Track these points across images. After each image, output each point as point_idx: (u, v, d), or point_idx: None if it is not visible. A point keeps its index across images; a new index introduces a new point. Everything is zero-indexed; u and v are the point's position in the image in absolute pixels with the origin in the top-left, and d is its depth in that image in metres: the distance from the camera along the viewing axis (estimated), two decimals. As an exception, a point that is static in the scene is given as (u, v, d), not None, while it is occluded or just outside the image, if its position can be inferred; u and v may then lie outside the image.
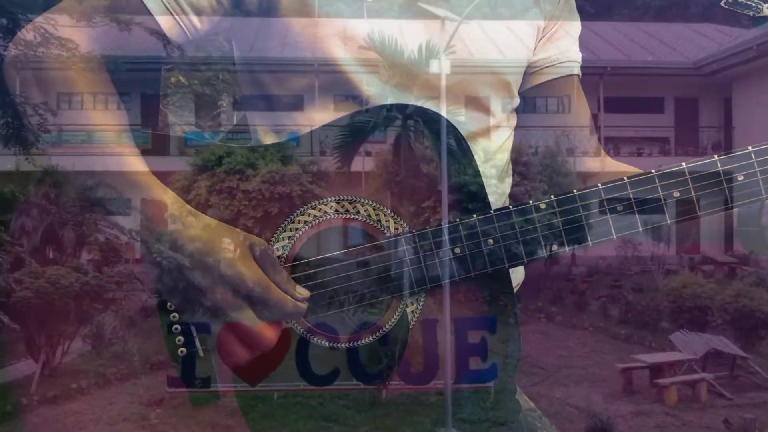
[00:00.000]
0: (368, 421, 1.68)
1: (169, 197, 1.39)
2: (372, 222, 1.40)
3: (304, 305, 1.37)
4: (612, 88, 15.39)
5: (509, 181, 1.75)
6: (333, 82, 1.58)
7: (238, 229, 1.38)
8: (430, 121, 1.47)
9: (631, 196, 1.35)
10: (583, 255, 14.49)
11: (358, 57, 1.59)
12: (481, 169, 1.68)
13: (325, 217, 1.40)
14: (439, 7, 1.64)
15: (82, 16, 1.48)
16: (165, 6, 1.50)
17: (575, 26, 1.81)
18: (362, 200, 1.40)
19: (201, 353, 1.39)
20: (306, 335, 1.40)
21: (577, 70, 1.80)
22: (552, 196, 1.37)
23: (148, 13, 1.49)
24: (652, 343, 10.25)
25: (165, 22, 1.50)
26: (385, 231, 1.40)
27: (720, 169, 1.35)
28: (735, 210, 1.42)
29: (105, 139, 1.47)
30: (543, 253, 1.38)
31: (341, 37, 1.58)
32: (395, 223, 1.40)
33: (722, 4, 1.47)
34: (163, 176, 1.41)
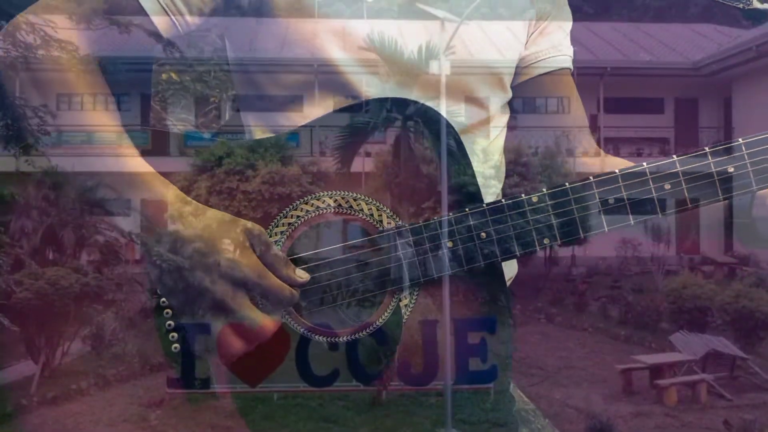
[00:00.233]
0: (368, 422, 1.68)
1: (170, 194, 1.39)
2: (365, 216, 1.40)
3: (296, 293, 1.36)
4: (612, 89, 15.41)
5: (503, 175, 1.75)
6: (332, 82, 1.58)
7: (236, 219, 1.37)
8: (430, 120, 1.47)
9: (623, 189, 1.36)
10: (583, 255, 14.51)
11: (357, 57, 1.59)
12: (480, 170, 1.68)
13: (317, 212, 1.40)
14: (438, 8, 1.64)
15: (81, 18, 1.48)
16: (157, 0, 1.50)
17: (567, 21, 1.82)
18: (355, 195, 1.41)
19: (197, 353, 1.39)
20: (300, 330, 1.40)
21: (569, 64, 1.80)
22: (544, 189, 1.38)
23: (140, 7, 1.48)
24: (651, 344, 10.26)
25: (157, 17, 1.50)
26: (378, 225, 1.40)
27: (711, 161, 1.35)
28: (730, 204, 1.44)
29: (104, 140, 1.47)
30: (536, 246, 1.38)
31: (341, 38, 1.58)
32: (388, 217, 1.40)
33: None
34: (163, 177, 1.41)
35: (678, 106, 16.74)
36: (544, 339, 10.80)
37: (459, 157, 1.45)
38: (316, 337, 1.40)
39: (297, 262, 1.38)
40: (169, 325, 1.39)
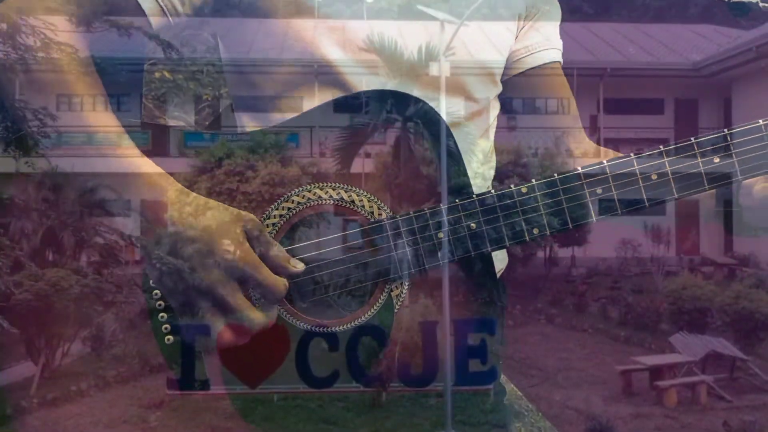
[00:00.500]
0: (368, 424, 1.68)
1: (170, 191, 1.39)
2: (356, 208, 1.41)
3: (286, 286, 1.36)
4: (611, 90, 15.41)
5: (493, 167, 1.76)
6: (332, 83, 1.58)
7: (230, 209, 1.37)
8: (428, 119, 1.48)
9: (611, 180, 1.38)
10: (583, 256, 14.51)
11: (357, 58, 1.59)
12: (480, 170, 1.69)
13: (308, 204, 1.41)
14: (438, 9, 1.64)
15: (80, 20, 1.48)
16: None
17: (556, 15, 1.83)
18: (346, 187, 1.41)
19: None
20: (291, 320, 1.40)
21: (559, 57, 1.81)
22: (533, 180, 1.39)
23: (138, 5, 1.48)
24: (651, 345, 10.26)
25: (146, 4, 1.50)
26: (369, 217, 1.40)
27: (697, 152, 1.37)
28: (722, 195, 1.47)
29: (103, 141, 1.47)
30: (525, 236, 1.39)
31: (340, 38, 1.58)
32: (379, 208, 1.41)
33: None
34: (163, 195, 1.41)
35: (678, 106, 16.74)
36: (543, 340, 10.80)
37: (455, 155, 1.45)
38: (308, 327, 1.40)
39: (288, 253, 1.39)
40: (162, 316, 1.40)
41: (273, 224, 1.40)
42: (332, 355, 1.42)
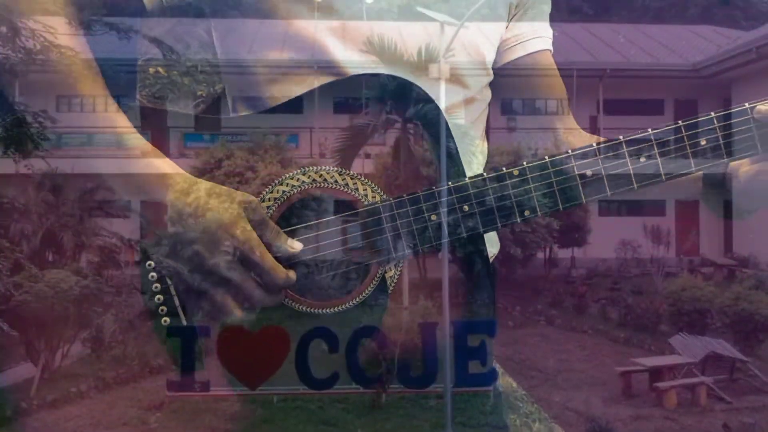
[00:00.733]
0: (368, 425, 1.68)
1: (170, 193, 1.40)
2: (350, 191, 1.42)
3: (293, 276, 1.38)
4: (611, 90, 15.43)
5: (484, 154, 1.78)
6: (332, 84, 1.58)
7: (231, 192, 1.38)
8: (430, 122, 1.48)
9: (600, 162, 1.40)
10: (583, 257, 14.52)
11: (356, 59, 1.59)
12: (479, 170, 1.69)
13: (303, 187, 1.42)
14: (437, 10, 1.64)
15: (80, 23, 1.49)
16: None
17: (546, 3, 1.85)
18: (340, 170, 1.43)
19: (184, 322, 1.40)
20: (288, 302, 1.41)
21: (549, 45, 1.83)
22: (525, 163, 1.41)
23: None
24: (651, 347, 10.27)
25: None
26: (363, 199, 1.41)
27: (684, 134, 1.40)
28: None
29: (106, 142, 1.48)
30: (516, 218, 1.41)
31: (340, 39, 1.59)
32: (373, 191, 1.42)
33: None
34: (162, 178, 1.41)
35: (677, 107, 16.73)
36: (543, 341, 10.81)
37: (457, 157, 1.46)
38: (302, 308, 1.41)
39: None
40: (158, 299, 1.40)
41: (268, 207, 1.41)
42: (332, 356, 1.42)
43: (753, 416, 7.73)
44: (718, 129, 1.40)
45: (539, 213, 1.41)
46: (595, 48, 15.97)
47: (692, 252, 15.15)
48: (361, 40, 1.60)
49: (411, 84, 1.49)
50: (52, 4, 1.50)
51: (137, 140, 1.46)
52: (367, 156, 1.50)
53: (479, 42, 1.73)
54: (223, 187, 1.39)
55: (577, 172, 1.40)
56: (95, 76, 1.48)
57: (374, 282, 1.43)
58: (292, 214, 1.42)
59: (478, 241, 1.46)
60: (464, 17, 1.68)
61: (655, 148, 1.40)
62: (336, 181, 1.42)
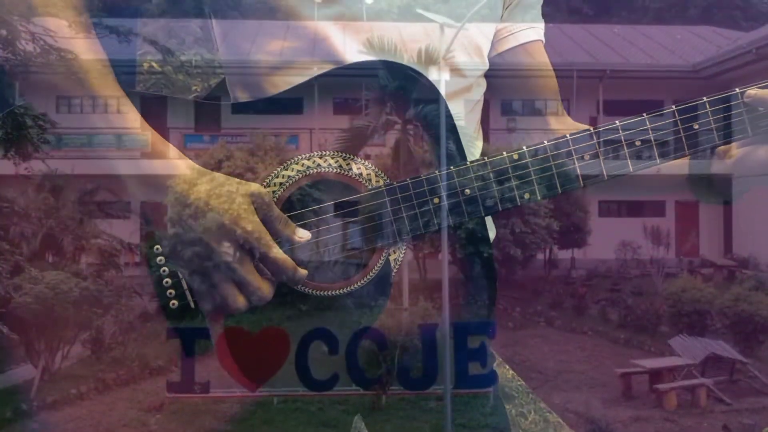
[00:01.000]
0: (368, 427, 1.68)
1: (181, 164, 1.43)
2: (354, 175, 1.44)
3: (303, 272, 1.39)
4: (611, 91, 15.43)
5: (480, 145, 1.80)
6: (332, 82, 1.59)
7: (241, 183, 1.39)
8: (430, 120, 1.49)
9: (597, 146, 1.44)
10: (583, 258, 14.53)
11: (356, 60, 1.59)
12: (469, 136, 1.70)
13: (307, 172, 1.43)
14: (437, 12, 1.65)
15: (80, 25, 1.49)
16: None
17: None
18: (344, 155, 1.44)
19: (192, 305, 1.41)
20: (295, 286, 1.42)
21: (541, 36, 1.86)
22: (524, 147, 1.44)
23: None
24: (651, 348, 10.26)
25: None
26: (367, 184, 1.43)
27: (678, 118, 1.45)
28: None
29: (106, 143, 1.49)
30: (517, 201, 1.44)
31: (340, 40, 1.59)
32: (376, 176, 1.44)
33: None
34: (162, 179, 1.42)
35: (677, 108, 16.75)
36: (543, 342, 10.81)
37: (457, 157, 1.46)
38: (309, 291, 1.42)
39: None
40: (167, 282, 1.41)
41: (273, 192, 1.42)
42: (332, 357, 1.42)
43: (753, 418, 7.73)
44: (710, 113, 1.46)
45: (539, 196, 1.44)
46: (595, 49, 15.98)
47: (692, 253, 15.16)
48: (360, 41, 1.60)
49: (412, 79, 1.50)
50: (60, 7, 1.51)
51: (150, 137, 1.47)
52: (367, 157, 1.50)
53: (479, 42, 1.74)
54: (232, 179, 1.40)
55: (575, 156, 1.44)
56: (110, 77, 1.49)
57: (379, 264, 1.44)
58: (298, 199, 1.43)
59: (478, 242, 1.47)
60: (465, 18, 1.68)
61: (650, 132, 1.44)
62: (340, 166, 1.44)
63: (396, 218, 1.42)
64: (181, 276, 1.41)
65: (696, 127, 1.45)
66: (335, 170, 1.44)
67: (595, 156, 1.44)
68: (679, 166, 1.49)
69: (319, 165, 1.44)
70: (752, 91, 1.45)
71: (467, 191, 1.42)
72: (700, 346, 9.19)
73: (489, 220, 1.60)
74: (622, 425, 7.74)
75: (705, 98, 1.47)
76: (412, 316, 1.49)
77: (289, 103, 1.59)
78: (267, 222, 1.37)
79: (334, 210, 1.43)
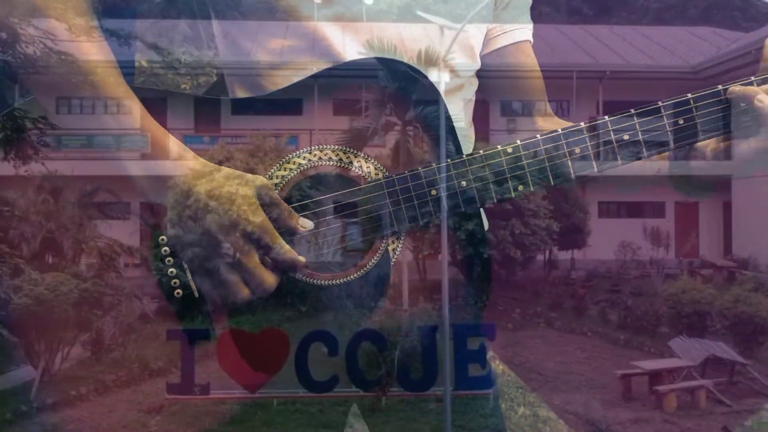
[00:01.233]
0: (368, 428, 1.68)
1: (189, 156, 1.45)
2: (354, 169, 1.47)
3: (303, 260, 1.42)
4: (611, 92, 15.43)
5: (471, 141, 1.83)
6: (332, 86, 1.59)
7: (244, 176, 1.41)
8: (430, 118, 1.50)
9: (587, 140, 1.50)
10: (583, 259, 14.52)
11: (356, 61, 1.60)
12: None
13: (309, 165, 1.46)
14: (436, 13, 1.65)
15: (80, 29, 1.49)
16: None
17: None
18: (344, 148, 1.48)
19: (196, 293, 1.42)
20: (298, 276, 1.44)
21: (529, 36, 1.90)
22: (518, 141, 1.49)
23: None
24: (651, 349, 10.25)
25: None
26: (367, 177, 1.47)
27: (663, 114, 1.53)
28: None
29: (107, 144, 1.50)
30: (511, 192, 1.49)
31: (340, 41, 1.59)
32: (376, 168, 1.47)
33: None
34: (162, 180, 1.42)
35: (677, 109, 16.75)
36: (543, 343, 10.80)
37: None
38: (309, 280, 1.44)
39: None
40: (171, 272, 1.42)
41: (276, 185, 1.45)
42: (332, 359, 1.42)
43: (752, 419, 7.72)
44: (694, 109, 1.53)
45: (531, 188, 1.49)
46: (595, 49, 15.98)
47: (692, 254, 15.15)
48: (360, 42, 1.60)
49: (412, 80, 1.51)
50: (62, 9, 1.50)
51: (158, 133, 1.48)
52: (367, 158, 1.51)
53: (473, 42, 1.76)
54: (237, 172, 1.42)
55: (566, 150, 1.49)
56: (120, 79, 1.50)
57: (378, 254, 1.47)
58: (300, 191, 1.46)
59: (477, 243, 1.48)
60: (465, 20, 1.69)
61: (638, 127, 1.51)
62: (341, 159, 1.47)
63: (395, 210, 1.46)
64: (185, 266, 1.42)
65: (681, 122, 1.52)
66: (336, 163, 1.47)
67: (586, 150, 1.50)
68: (679, 165, 1.53)
69: (320, 158, 1.47)
70: (735, 88, 1.52)
71: (463, 183, 1.46)
72: (699, 347, 9.18)
73: (482, 212, 1.63)
74: (622, 426, 7.73)
75: (690, 95, 1.54)
76: (412, 318, 1.49)
77: (289, 103, 1.59)
78: (271, 214, 1.39)
79: (334, 202, 1.47)
